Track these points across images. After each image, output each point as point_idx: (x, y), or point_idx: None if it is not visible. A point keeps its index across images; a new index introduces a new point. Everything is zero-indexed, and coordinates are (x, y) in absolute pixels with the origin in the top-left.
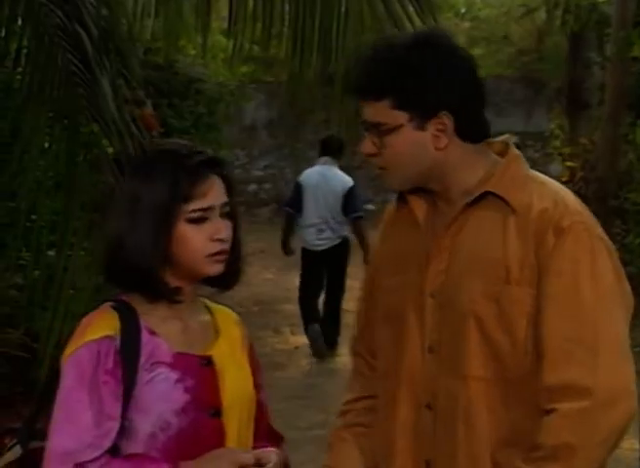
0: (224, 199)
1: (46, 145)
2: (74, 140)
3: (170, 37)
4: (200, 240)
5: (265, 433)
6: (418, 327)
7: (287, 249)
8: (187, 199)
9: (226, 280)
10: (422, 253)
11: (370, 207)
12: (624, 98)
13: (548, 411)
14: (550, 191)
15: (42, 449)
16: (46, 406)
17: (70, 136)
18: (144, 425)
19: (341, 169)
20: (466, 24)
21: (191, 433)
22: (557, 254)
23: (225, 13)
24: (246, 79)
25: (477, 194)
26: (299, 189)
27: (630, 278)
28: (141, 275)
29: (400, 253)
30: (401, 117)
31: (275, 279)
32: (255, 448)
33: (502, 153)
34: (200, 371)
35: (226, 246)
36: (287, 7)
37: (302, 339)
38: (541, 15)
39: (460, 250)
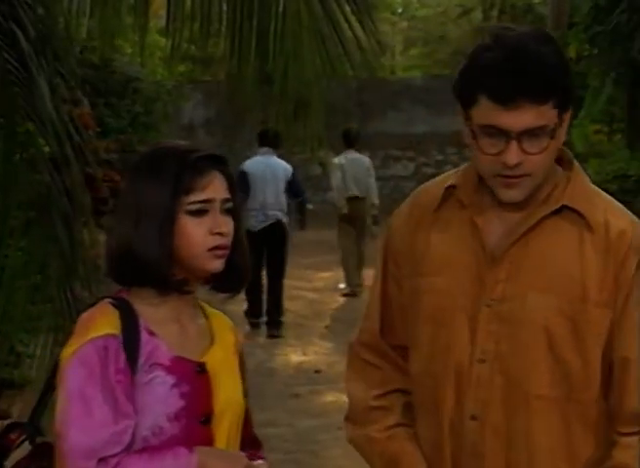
0: (226, 195)
1: None
2: (11, 140)
3: (106, 36)
4: (200, 233)
5: (249, 439)
6: (468, 335)
7: None
8: (188, 191)
9: (229, 281)
10: (474, 259)
11: (309, 206)
12: None
13: (629, 434)
14: (621, 209)
15: (48, 445)
16: (47, 402)
17: (7, 136)
18: (139, 428)
19: None
20: (404, 24)
21: (183, 440)
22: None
23: (163, 12)
24: (183, 78)
25: (557, 206)
26: (245, 176)
27: None
28: (150, 269)
29: (444, 254)
30: (555, 117)
31: None
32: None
33: (561, 163)
34: (195, 378)
35: (226, 241)
36: (224, 6)
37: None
38: (478, 15)
39: (525, 260)
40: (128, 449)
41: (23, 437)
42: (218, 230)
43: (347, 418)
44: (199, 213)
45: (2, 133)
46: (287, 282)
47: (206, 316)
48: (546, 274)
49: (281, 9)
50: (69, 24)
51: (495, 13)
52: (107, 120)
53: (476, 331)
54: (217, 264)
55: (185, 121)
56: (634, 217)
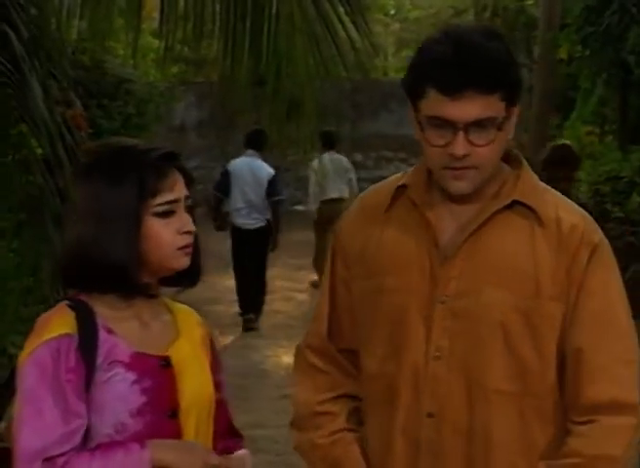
0: (186, 192)
1: None
2: (3, 141)
3: (97, 37)
4: (169, 234)
5: (226, 431)
6: (423, 332)
7: (218, 225)
8: (154, 193)
9: (191, 276)
10: (427, 257)
11: (300, 207)
12: (551, 100)
13: (583, 423)
14: (572, 204)
15: (6, 450)
16: (6, 407)
17: None
18: (101, 426)
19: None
20: (396, 26)
21: (148, 435)
22: (591, 271)
23: (156, 13)
24: (176, 80)
25: (508, 201)
26: (227, 176)
27: None
28: (116, 275)
29: (397, 253)
30: (502, 110)
31: (206, 280)
32: (215, 446)
33: (507, 161)
34: (158, 372)
35: (192, 239)
36: (217, 7)
37: (230, 340)
38: (470, 17)
39: (478, 256)
40: (80, 448)
41: None
42: (186, 229)
43: (292, 424)
44: (166, 214)
45: None
46: (278, 283)
47: (171, 312)
48: (500, 269)
49: (274, 10)
50: (61, 26)
51: (487, 14)
52: (100, 121)
53: (431, 329)
54: (184, 262)
55: (177, 122)
56: (584, 213)
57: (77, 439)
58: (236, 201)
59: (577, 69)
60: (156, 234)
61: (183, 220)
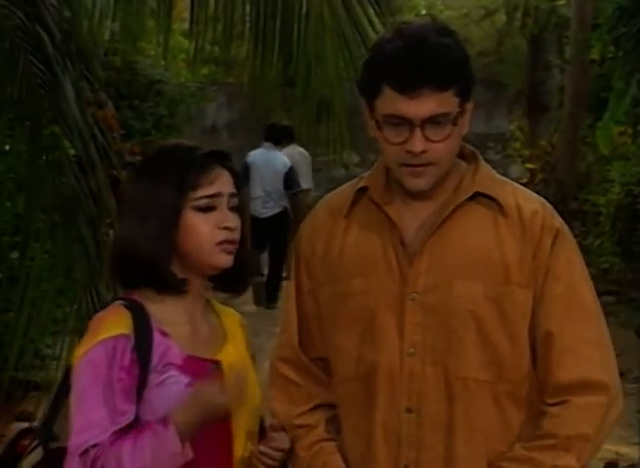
0: (232, 190)
1: (7, 147)
2: (36, 142)
3: (129, 38)
4: (207, 228)
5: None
6: (395, 330)
7: None
8: (195, 187)
9: (236, 279)
10: (394, 255)
11: None
12: (583, 101)
13: (555, 404)
14: (529, 193)
15: (61, 450)
16: (60, 406)
17: (32, 138)
18: None
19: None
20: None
21: (200, 436)
22: (555, 256)
23: (186, 14)
24: (206, 80)
25: (469, 194)
26: (246, 167)
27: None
28: (148, 267)
29: (361, 255)
30: (457, 106)
31: None
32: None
33: (463, 157)
34: (210, 376)
35: (235, 235)
36: (248, 8)
37: (262, 342)
38: (501, 17)
39: (444, 250)
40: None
41: (36, 442)
42: (225, 224)
43: None
44: (207, 209)
45: (27, 135)
46: None
47: (217, 314)
48: (468, 260)
49: (304, 10)
50: (93, 27)
51: (518, 14)
52: (131, 122)
53: (403, 326)
54: (226, 259)
55: (208, 123)
56: (542, 199)
57: (114, 428)
58: (254, 190)
59: (609, 70)
60: (195, 227)
61: (224, 216)
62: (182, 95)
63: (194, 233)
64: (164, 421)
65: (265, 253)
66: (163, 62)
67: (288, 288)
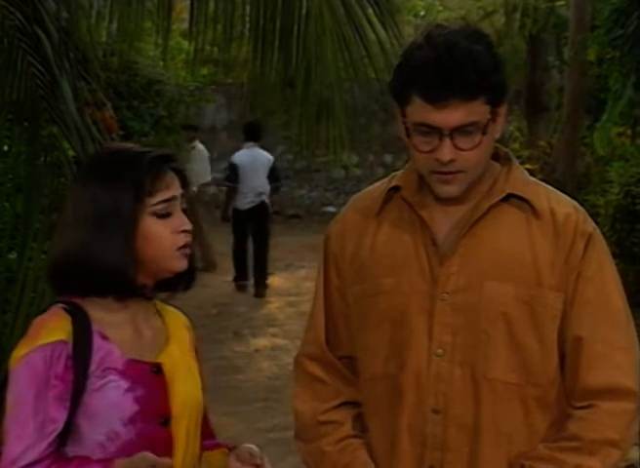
0: (181, 192)
1: (5, 148)
2: (34, 143)
3: (127, 39)
4: (167, 233)
5: (208, 430)
6: (425, 330)
7: (226, 216)
8: (152, 193)
9: (186, 280)
10: (425, 255)
11: (331, 209)
12: (582, 101)
13: (583, 407)
14: (562, 196)
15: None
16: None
17: (30, 139)
18: (93, 433)
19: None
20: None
21: (139, 443)
22: (587, 260)
23: (185, 15)
24: (206, 81)
25: (502, 195)
26: (235, 167)
27: None
28: (113, 276)
29: (392, 254)
30: (487, 113)
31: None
32: (203, 446)
33: (497, 158)
34: (150, 380)
35: (190, 238)
36: (248, 9)
37: (263, 342)
38: (500, 18)
39: (476, 251)
40: (50, 449)
41: None
42: (183, 227)
43: (297, 436)
44: (164, 214)
45: (26, 136)
46: (308, 284)
47: (161, 315)
48: (500, 262)
49: (304, 11)
50: (91, 28)
51: (517, 15)
52: (130, 123)
53: (432, 326)
54: (183, 263)
55: (208, 124)
56: (576, 203)
57: (45, 443)
58: (243, 187)
59: (607, 71)
60: (155, 234)
61: (181, 220)
62: (182, 95)
63: (155, 240)
64: (106, 464)
65: (249, 239)
66: (162, 63)
67: (316, 286)
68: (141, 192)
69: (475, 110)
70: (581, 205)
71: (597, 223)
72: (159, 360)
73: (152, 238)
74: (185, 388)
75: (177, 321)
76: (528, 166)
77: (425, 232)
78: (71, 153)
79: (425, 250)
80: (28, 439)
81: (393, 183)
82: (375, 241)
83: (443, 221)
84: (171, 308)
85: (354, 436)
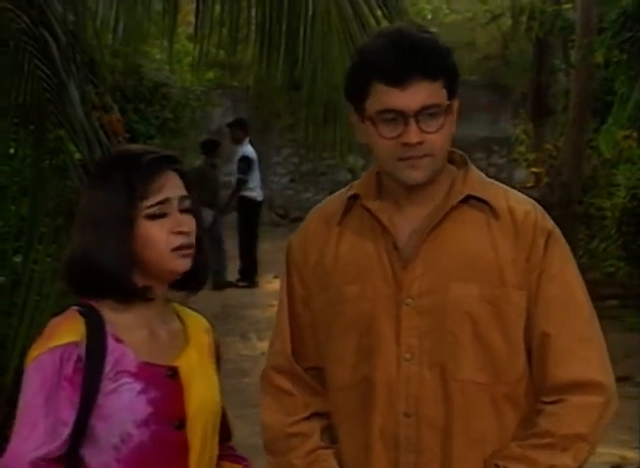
0: (182, 193)
1: (12, 151)
2: (40, 146)
3: (134, 42)
4: (162, 234)
5: (226, 434)
6: (392, 335)
7: (228, 209)
8: (143, 196)
9: (194, 280)
10: (388, 261)
11: None
12: (589, 104)
13: (552, 402)
14: (520, 195)
15: None
16: (14, 410)
17: (36, 142)
18: (107, 434)
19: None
20: (433, 30)
21: (153, 445)
22: (549, 257)
23: (191, 18)
24: (212, 84)
25: (461, 197)
26: (250, 162)
27: (595, 283)
28: (111, 279)
29: (355, 262)
30: (446, 98)
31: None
32: (222, 455)
33: (453, 162)
34: (165, 383)
35: (190, 240)
36: (253, 11)
37: (267, 345)
38: (507, 21)
39: (439, 253)
40: (73, 461)
41: None
42: (178, 229)
43: (266, 449)
44: (159, 216)
45: (32, 139)
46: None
47: (181, 319)
48: (463, 263)
49: (310, 13)
50: (98, 31)
51: (524, 18)
52: (136, 126)
53: (399, 330)
54: (183, 264)
55: (214, 127)
56: (533, 201)
57: (55, 443)
58: (256, 181)
59: (613, 74)
60: (150, 236)
61: (177, 220)
62: (188, 98)
63: (150, 241)
64: None
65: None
66: (168, 66)
67: (280, 297)
68: (133, 195)
69: (436, 92)
70: (588, 208)
71: (604, 226)
72: (176, 363)
73: (148, 240)
74: (202, 392)
75: (196, 324)
76: (534, 169)
77: (387, 238)
78: (77, 156)
79: (388, 255)
80: (38, 439)
81: (352, 192)
82: (337, 250)
83: (404, 226)
84: (190, 311)
85: (323, 447)
